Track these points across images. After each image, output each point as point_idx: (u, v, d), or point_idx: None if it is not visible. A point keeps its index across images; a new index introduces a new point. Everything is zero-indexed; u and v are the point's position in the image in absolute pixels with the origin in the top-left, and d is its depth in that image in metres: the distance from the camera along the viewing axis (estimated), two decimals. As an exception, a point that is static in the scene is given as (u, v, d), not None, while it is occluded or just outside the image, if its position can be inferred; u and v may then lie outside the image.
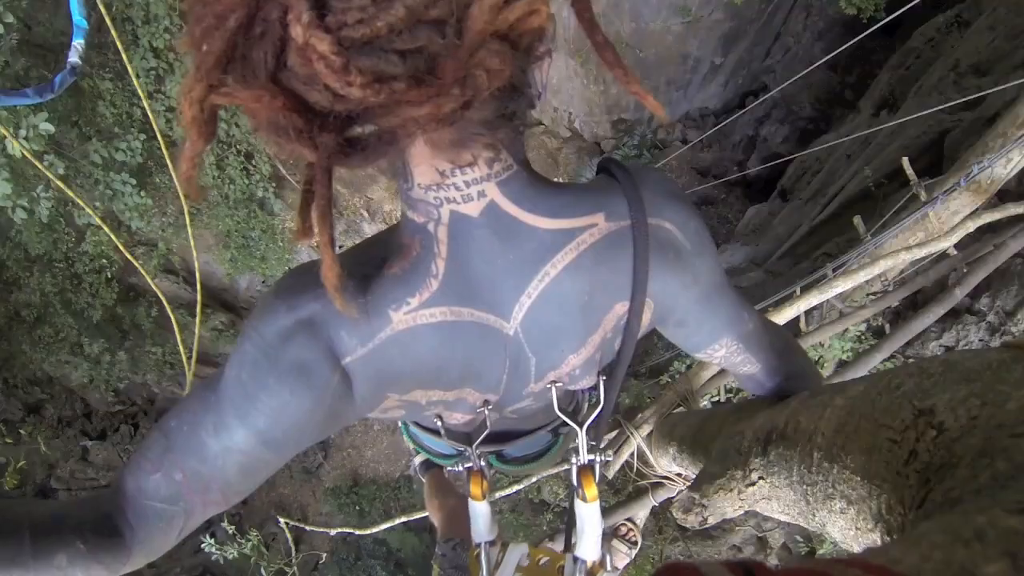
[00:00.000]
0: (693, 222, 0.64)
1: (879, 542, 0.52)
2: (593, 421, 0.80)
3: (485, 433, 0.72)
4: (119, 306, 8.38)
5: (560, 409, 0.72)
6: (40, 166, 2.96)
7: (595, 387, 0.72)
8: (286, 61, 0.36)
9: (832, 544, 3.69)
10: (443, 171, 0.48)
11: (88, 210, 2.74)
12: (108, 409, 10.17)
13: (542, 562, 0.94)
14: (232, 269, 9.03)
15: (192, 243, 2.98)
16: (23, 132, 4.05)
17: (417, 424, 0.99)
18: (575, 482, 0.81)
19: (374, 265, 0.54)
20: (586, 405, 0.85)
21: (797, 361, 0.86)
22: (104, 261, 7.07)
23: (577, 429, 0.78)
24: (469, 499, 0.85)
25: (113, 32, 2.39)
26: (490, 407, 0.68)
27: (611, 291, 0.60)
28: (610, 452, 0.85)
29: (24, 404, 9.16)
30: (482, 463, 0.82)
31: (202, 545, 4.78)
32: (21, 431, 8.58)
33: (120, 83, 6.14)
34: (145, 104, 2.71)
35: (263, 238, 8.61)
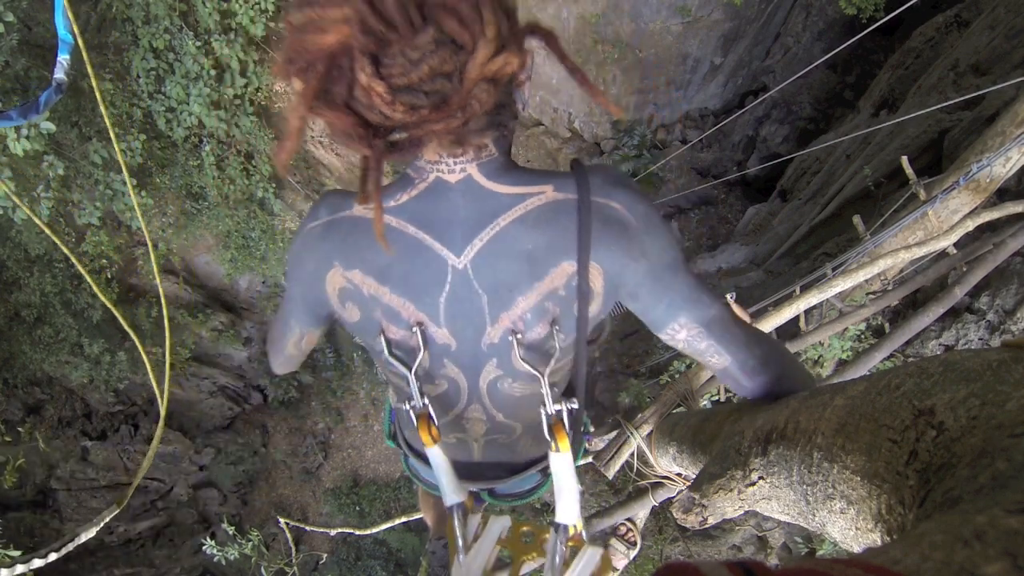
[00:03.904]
0: (641, 206, 0.75)
1: (879, 542, 0.52)
2: (558, 377, 0.85)
3: (420, 358, 0.79)
4: (119, 306, 8.38)
5: (526, 366, 0.78)
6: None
7: (550, 339, 0.78)
8: (354, 93, 0.57)
9: (832, 544, 3.69)
10: (441, 154, 0.71)
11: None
12: (108, 409, 10.15)
13: (524, 534, 0.93)
14: (232, 269, 9.03)
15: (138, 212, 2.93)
16: (24, 131, 4.08)
17: (415, 453, 1.05)
18: (547, 435, 0.83)
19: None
20: (564, 402, 0.84)
21: (784, 365, 0.86)
22: (104, 261, 7.06)
23: (540, 376, 0.79)
24: (425, 449, 0.85)
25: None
26: (423, 327, 0.78)
27: (557, 249, 0.73)
28: (574, 400, 0.85)
29: (24, 404, 9.15)
30: (424, 401, 0.83)
31: (203, 546, 4.78)
32: (21, 431, 8.57)
33: (120, 83, 6.15)
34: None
35: (263, 238, 8.61)
